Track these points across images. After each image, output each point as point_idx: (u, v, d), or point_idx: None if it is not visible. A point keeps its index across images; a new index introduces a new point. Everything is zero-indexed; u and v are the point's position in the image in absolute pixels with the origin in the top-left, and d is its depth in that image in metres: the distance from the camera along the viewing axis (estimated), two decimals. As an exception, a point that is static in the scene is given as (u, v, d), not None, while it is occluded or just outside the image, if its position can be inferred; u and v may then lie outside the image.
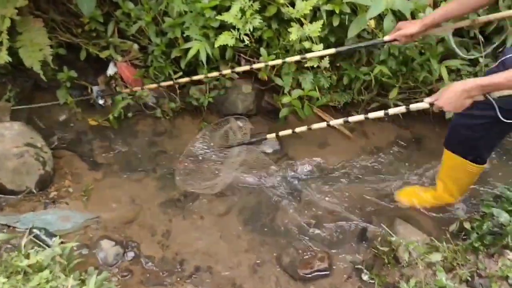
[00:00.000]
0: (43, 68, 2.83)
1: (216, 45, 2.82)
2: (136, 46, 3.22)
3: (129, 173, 3.04)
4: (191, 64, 3.05)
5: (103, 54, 3.11)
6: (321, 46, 2.76)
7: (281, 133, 2.83)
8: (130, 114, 3.26)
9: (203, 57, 2.82)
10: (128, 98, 3.16)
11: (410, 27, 2.45)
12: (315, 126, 2.68)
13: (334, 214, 2.82)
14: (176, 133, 3.28)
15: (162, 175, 3.04)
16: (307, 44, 2.76)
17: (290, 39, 2.73)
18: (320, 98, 3.03)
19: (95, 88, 3.33)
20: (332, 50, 2.72)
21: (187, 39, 2.92)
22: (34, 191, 2.81)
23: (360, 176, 3.05)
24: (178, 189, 2.95)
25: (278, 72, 3.04)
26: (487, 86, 1.95)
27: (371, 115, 2.41)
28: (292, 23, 2.78)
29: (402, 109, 2.30)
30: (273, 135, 2.88)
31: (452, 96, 2.00)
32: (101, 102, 3.33)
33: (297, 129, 2.73)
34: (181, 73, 3.10)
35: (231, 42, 2.78)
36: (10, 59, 2.61)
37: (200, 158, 3.08)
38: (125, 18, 3.05)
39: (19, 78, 3.28)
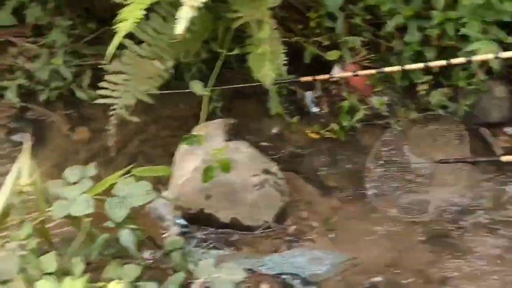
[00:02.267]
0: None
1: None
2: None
3: (367, 199, 2.52)
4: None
5: (331, 56, 2.59)
6: None
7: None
8: (358, 125, 2.72)
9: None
10: (360, 106, 2.62)
11: None
12: None
13: None
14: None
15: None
16: None
17: None
18: None
19: (308, 94, 2.84)
20: None
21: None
22: (273, 226, 2.35)
23: None
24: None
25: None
26: None
27: None
28: None
29: None
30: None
31: None
32: (315, 109, 2.84)
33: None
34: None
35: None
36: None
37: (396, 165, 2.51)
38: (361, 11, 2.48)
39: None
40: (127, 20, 1.77)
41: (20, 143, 2.73)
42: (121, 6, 1.96)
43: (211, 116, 2.73)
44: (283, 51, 2.30)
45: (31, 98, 2.96)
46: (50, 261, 1.80)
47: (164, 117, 2.83)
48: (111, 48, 1.81)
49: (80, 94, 2.83)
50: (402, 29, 2.59)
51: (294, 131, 2.81)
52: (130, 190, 1.97)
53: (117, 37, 1.76)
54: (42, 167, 2.06)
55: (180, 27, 1.68)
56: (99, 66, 2.88)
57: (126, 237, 1.93)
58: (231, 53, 2.47)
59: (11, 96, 2.85)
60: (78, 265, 1.84)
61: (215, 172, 2.14)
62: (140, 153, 2.73)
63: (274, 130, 2.84)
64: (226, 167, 2.15)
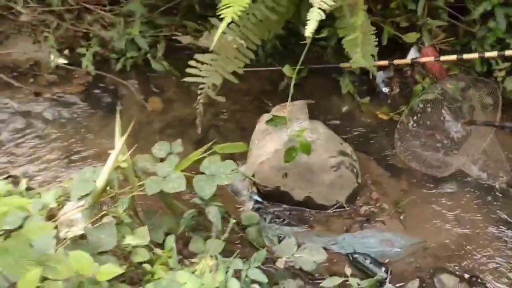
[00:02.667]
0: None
1: None
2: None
3: (441, 185, 2.54)
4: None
5: (409, 38, 2.57)
6: None
7: None
8: (428, 109, 2.72)
9: None
10: (434, 90, 2.61)
11: None
12: None
13: None
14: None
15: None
16: None
17: None
18: None
19: (379, 74, 2.83)
20: None
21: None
22: (345, 206, 2.41)
23: None
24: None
25: None
26: None
27: None
28: None
29: None
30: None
31: None
32: (385, 90, 2.84)
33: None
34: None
35: None
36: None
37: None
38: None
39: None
40: (233, 7, 1.78)
41: (96, 111, 2.84)
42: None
43: (282, 94, 2.77)
44: (374, 35, 2.29)
45: (104, 66, 3.02)
46: (143, 234, 1.89)
47: (235, 91, 2.85)
48: (216, 36, 1.84)
49: (155, 65, 2.88)
50: (484, 15, 2.54)
51: (364, 111, 2.82)
52: (217, 168, 2.04)
53: (224, 23, 1.78)
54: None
55: (309, 29, 1.70)
56: (173, 37, 2.93)
57: (213, 213, 2.01)
58: (318, 36, 2.46)
59: (87, 63, 2.91)
60: (169, 239, 1.93)
61: (297, 153, 2.19)
62: (212, 127, 2.78)
63: (344, 109, 2.85)
64: (307, 149, 2.20)
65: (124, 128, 1.96)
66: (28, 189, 2.11)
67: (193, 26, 2.97)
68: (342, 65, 2.62)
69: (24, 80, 2.99)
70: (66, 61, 2.96)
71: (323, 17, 1.71)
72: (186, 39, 2.94)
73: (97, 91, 2.97)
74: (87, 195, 1.83)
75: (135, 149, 1.99)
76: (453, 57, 2.45)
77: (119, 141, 1.92)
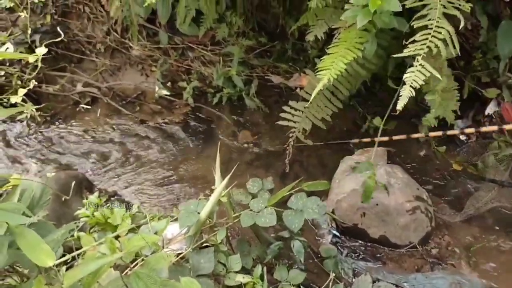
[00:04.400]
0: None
1: None
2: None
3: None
4: None
5: (490, 93, 2.71)
6: None
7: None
8: (503, 164, 2.84)
9: None
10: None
11: None
12: None
13: None
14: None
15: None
16: None
17: None
18: None
19: (458, 122, 2.96)
20: None
21: None
22: (418, 247, 2.58)
23: None
24: None
25: None
26: None
27: None
28: None
29: None
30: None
31: None
32: (462, 138, 2.97)
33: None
34: None
35: None
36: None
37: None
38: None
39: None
40: (330, 69, 2.03)
41: (193, 139, 3.17)
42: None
43: (364, 135, 2.99)
44: (456, 91, 2.46)
45: (202, 98, 3.36)
46: (236, 262, 2.16)
47: (319, 128, 3.08)
48: (314, 93, 2.08)
49: (248, 101, 3.18)
50: None
51: (439, 159, 2.98)
52: (304, 203, 2.28)
53: (321, 83, 2.03)
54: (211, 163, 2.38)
55: (401, 104, 1.92)
56: (265, 77, 3.23)
57: (298, 247, 2.26)
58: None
59: (187, 96, 3.25)
60: (258, 267, 2.19)
61: (373, 194, 2.40)
62: (296, 162, 3.03)
63: (422, 153, 3.02)
64: (369, 192, 2.41)
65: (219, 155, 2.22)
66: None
67: (284, 68, 3.25)
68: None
69: (132, 108, 3.37)
70: (168, 93, 3.31)
71: (413, 94, 1.91)
72: (277, 79, 3.22)
73: (195, 121, 3.30)
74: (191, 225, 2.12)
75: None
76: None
77: (220, 179, 2.20)
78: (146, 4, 2.35)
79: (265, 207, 2.23)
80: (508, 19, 2.52)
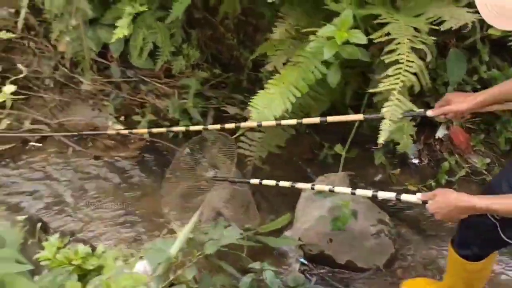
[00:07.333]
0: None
1: None
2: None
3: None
4: None
5: (439, 117, 2.84)
6: None
7: (265, 182, 2.39)
8: (454, 179, 2.98)
9: None
10: (463, 165, 2.89)
11: (461, 103, 1.96)
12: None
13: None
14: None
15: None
16: None
17: None
18: None
19: (412, 146, 3.08)
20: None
21: None
22: (383, 269, 2.65)
23: None
24: None
25: None
26: (483, 210, 1.72)
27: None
28: None
29: (392, 196, 1.95)
30: (256, 181, 2.45)
31: (444, 207, 1.75)
32: (415, 161, 3.10)
33: (281, 183, 2.30)
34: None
35: None
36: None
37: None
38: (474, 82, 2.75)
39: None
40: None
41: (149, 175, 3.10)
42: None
43: (322, 163, 3.05)
44: (413, 126, 2.57)
45: (158, 133, 3.30)
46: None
47: (277, 156, 3.11)
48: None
49: (204, 133, 3.16)
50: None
51: (394, 182, 3.08)
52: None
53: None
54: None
55: (382, 138, 1.99)
56: (221, 108, 3.24)
57: (270, 278, 2.26)
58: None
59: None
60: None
61: (343, 223, 2.45)
62: (257, 191, 3.03)
63: (377, 179, 3.12)
64: (345, 220, 2.46)
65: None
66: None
67: (240, 98, 3.28)
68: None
69: (84, 144, 3.27)
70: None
71: (393, 127, 1.98)
72: (233, 110, 3.24)
73: (151, 156, 3.25)
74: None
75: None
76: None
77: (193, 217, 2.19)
78: (115, 38, 2.34)
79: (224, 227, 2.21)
80: (455, 47, 2.69)
